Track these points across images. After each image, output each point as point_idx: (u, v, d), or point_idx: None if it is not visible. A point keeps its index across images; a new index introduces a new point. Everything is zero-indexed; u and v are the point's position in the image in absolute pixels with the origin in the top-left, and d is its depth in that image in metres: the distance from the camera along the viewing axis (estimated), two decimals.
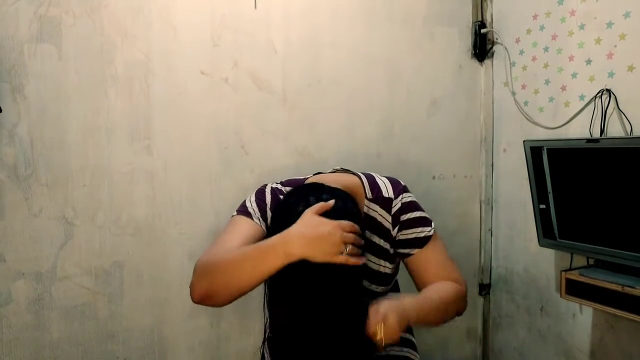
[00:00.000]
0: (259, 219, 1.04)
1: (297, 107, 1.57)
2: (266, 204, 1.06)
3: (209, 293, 0.92)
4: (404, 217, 1.07)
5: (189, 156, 1.42)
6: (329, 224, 0.87)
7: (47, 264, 1.26)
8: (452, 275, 1.07)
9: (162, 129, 1.38)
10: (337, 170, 1.16)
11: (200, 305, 1.28)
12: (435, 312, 0.99)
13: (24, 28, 1.21)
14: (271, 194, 1.08)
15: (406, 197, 1.09)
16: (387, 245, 1.08)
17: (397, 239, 1.08)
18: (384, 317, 0.86)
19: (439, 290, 1.02)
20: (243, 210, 1.06)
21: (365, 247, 0.96)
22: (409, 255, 1.08)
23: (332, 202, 0.91)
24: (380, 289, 1.09)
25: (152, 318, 1.40)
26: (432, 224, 1.09)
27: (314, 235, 0.86)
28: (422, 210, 1.10)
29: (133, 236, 1.36)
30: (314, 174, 1.15)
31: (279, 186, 1.11)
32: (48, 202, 1.26)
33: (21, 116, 1.22)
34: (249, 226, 1.02)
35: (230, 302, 0.93)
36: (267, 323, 1.09)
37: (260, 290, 1.01)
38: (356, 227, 0.90)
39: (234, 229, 1.02)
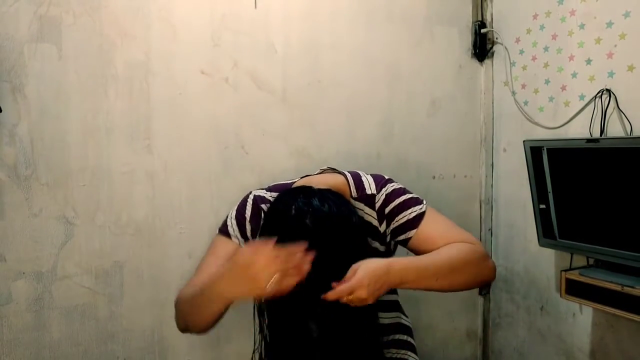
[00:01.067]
0: (237, 237, 1.04)
1: (297, 107, 1.57)
2: (245, 218, 1.04)
3: (187, 327, 0.99)
4: (389, 207, 1.02)
5: (189, 156, 1.42)
6: (246, 256, 0.81)
7: (47, 264, 1.27)
8: (462, 236, 0.98)
9: (162, 129, 1.38)
10: (325, 170, 1.12)
11: None
12: (447, 272, 0.91)
13: (24, 28, 1.21)
14: (252, 204, 1.05)
15: (389, 188, 1.04)
16: (377, 244, 1.04)
17: (389, 232, 1.03)
18: (359, 282, 0.83)
19: (448, 250, 0.94)
20: (223, 230, 1.06)
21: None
22: (407, 240, 1.01)
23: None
24: None
25: (152, 318, 1.40)
26: (424, 201, 1.03)
27: (236, 274, 0.83)
28: (409, 192, 1.04)
29: (133, 236, 1.36)
30: (301, 177, 1.11)
31: (263, 193, 1.07)
32: (48, 202, 1.26)
33: (21, 116, 1.22)
34: (228, 247, 1.03)
35: (209, 329, 0.97)
36: (263, 327, 1.04)
37: None
38: (289, 247, 0.80)
39: (213, 252, 1.04)
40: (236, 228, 1.04)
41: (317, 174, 1.11)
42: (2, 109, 1.19)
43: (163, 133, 1.38)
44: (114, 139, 1.33)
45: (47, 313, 1.27)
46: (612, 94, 1.47)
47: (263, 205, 1.04)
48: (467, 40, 1.89)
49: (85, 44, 1.28)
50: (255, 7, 1.49)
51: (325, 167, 1.14)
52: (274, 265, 0.78)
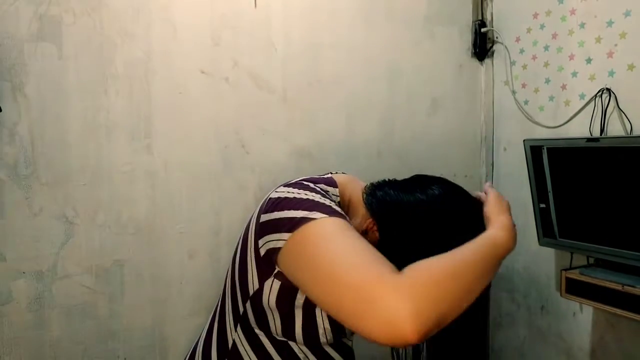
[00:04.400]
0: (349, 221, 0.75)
1: (297, 106, 1.57)
2: (334, 204, 0.76)
3: (439, 324, 0.60)
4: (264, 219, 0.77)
5: (189, 155, 1.42)
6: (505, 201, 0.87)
7: (47, 263, 1.27)
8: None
9: (162, 128, 1.38)
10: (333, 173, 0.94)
11: (200, 304, 1.27)
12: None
13: (24, 27, 1.21)
14: (321, 191, 0.79)
15: (279, 193, 0.78)
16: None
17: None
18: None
19: None
20: (333, 211, 0.72)
21: None
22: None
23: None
24: None
25: (152, 317, 1.40)
26: (301, 223, 0.70)
27: (509, 222, 0.83)
28: (296, 205, 0.73)
29: (133, 235, 1.36)
30: (332, 173, 0.93)
31: (314, 185, 0.81)
32: (48, 201, 1.26)
33: (21, 115, 1.22)
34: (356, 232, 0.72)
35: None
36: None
37: None
38: None
39: (354, 234, 0.69)
40: (341, 210, 0.75)
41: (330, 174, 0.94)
42: (2, 108, 1.19)
43: (163, 132, 1.38)
44: (114, 138, 1.33)
45: (47, 312, 1.27)
46: (612, 93, 1.47)
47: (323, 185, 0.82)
48: (467, 39, 1.89)
49: (85, 43, 1.28)
50: (256, 6, 1.49)
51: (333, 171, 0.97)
52: None
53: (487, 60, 1.91)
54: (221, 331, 0.90)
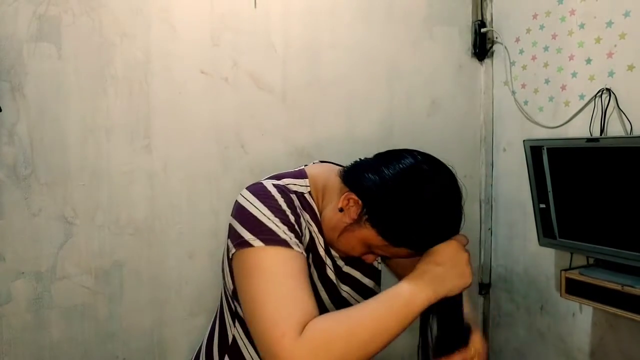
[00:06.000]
0: (297, 245, 0.75)
1: (297, 107, 1.57)
2: (288, 216, 0.77)
3: None
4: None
5: (188, 156, 1.42)
6: (461, 252, 0.77)
7: (46, 264, 1.26)
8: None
9: (162, 129, 1.38)
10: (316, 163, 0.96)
11: (200, 305, 1.27)
12: None
13: (23, 27, 1.21)
14: (281, 195, 0.80)
15: (241, 198, 0.80)
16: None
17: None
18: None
19: None
20: (274, 239, 0.74)
21: None
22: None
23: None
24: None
25: (152, 318, 1.39)
26: (249, 243, 0.73)
27: (452, 270, 0.75)
28: (246, 221, 0.76)
29: (133, 236, 1.36)
30: (305, 166, 0.94)
31: (279, 183, 0.83)
32: (47, 202, 1.26)
33: (20, 115, 1.22)
34: (299, 261, 0.74)
35: None
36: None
37: None
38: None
39: (290, 272, 0.72)
40: (289, 232, 0.76)
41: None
42: (2, 108, 1.19)
43: (163, 133, 1.38)
44: (114, 139, 1.32)
45: (46, 313, 1.27)
46: (612, 94, 1.47)
47: (292, 195, 0.82)
48: (467, 39, 1.89)
49: (84, 44, 1.28)
50: (255, 6, 1.49)
51: (316, 161, 0.98)
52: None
53: (487, 61, 1.91)
54: (222, 328, 0.91)
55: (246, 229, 0.75)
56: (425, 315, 0.80)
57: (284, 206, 0.79)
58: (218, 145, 1.46)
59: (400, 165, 0.81)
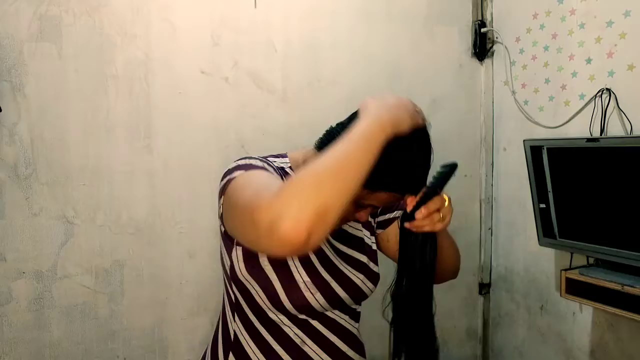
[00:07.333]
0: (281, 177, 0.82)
1: (297, 106, 1.57)
2: (273, 172, 0.81)
3: (319, 215, 0.60)
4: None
5: (189, 155, 1.42)
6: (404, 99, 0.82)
7: (47, 263, 1.27)
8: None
9: (162, 129, 1.38)
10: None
11: (200, 304, 1.26)
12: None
13: (24, 27, 1.21)
14: (265, 163, 0.84)
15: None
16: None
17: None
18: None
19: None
20: (254, 166, 0.80)
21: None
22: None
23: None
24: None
25: (152, 317, 1.40)
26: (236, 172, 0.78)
27: (394, 104, 0.80)
28: (224, 177, 0.80)
29: (133, 235, 1.36)
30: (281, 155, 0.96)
31: (261, 157, 0.87)
32: (48, 202, 1.26)
33: (21, 115, 1.22)
34: (276, 177, 0.80)
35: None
36: None
37: None
38: None
39: (262, 172, 0.78)
40: (270, 168, 0.81)
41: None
42: (2, 108, 1.19)
43: (163, 132, 1.38)
44: (114, 139, 1.33)
45: (47, 312, 1.27)
46: (612, 94, 1.47)
47: (275, 168, 0.86)
48: (467, 39, 1.89)
49: (85, 43, 1.28)
50: (255, 6, 1.49)
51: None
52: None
53: (487, 61, 1.91)
54: (224, 326, 0.93)
55: (227, 175, 0.78)
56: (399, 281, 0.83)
57: (270, 170, 0.82)
58: (218, 144, 1.46)
59: None
